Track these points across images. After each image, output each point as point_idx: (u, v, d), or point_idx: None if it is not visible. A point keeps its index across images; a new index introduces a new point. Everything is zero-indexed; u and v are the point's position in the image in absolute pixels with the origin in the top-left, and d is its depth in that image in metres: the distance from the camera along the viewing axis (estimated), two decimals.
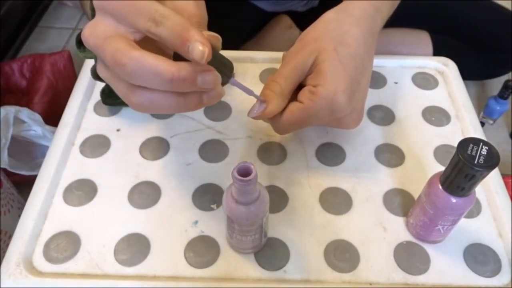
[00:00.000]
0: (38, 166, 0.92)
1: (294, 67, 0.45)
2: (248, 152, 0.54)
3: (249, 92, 0.42)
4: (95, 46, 0.35)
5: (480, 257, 0.46)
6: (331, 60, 0.44)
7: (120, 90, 0.37)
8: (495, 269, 0.45)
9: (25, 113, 0.92)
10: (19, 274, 0.44)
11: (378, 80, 0.63)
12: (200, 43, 0.33)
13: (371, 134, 0.57)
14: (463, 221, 0.48)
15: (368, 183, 0.52)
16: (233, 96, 0.60)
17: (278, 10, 0.97)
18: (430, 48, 0.91)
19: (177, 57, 0.35)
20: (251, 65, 0.63)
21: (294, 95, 0.46)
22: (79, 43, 0.50)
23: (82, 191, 0.50)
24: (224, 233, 0.46)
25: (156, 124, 0.57)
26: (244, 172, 0.37)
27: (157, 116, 0.58)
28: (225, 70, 0.38)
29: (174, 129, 0.57)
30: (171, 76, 0.34)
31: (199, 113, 0.58)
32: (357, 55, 0.46)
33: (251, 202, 0.39)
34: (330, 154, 0.54)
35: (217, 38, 0.37)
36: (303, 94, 0.45)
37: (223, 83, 0.37)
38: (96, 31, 0.35)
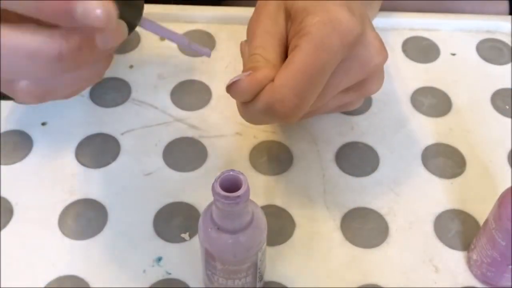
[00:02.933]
0: None
1: (266, 32, 0.47)
2: (236, 156, 0.55)
3: (181, 40, 0.41)
4: None
5: None
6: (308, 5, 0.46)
7: None
8: None
9: None
10: None
11: (427, 50, 0.64)
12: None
13: (416, 130, 0.57)
14: None
15: (412, 202, 0.52)
16: (213, 74, 0.61)
17: None
18: (505, 3, 0.91)
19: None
20: (239, 27, 0.64)
21: None
22: None
23: None
24: (200, 275, 0.47)
25: (99, 114, 0.58)
26: (230, 185, 0.38)
27: (101, 102, 0.59)
28: (131, 11, 0.37)
29: (127, 121, 0.57)
30: (57, 50, 0.32)
31: (164, 99, 0.59)
32: None
33: (241, 230, 0.40)
34: (357, 159, 0.55)
35: None
36: (293, 46, 0.45)
37: (130, 30, 0.37)
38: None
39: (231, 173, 0.38)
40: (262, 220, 0.41)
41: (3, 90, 0.36)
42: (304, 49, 0.43)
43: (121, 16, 0.33)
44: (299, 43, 0.44)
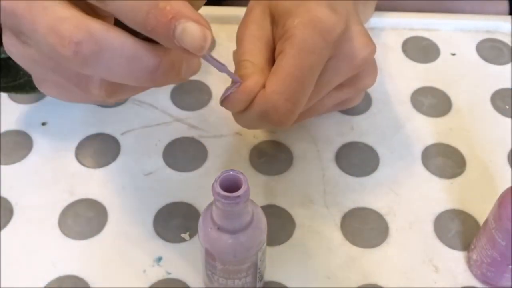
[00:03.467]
0: None
1: (252, 37, 0.47)
2: (236, 156, 0.55)
3: (223, 69, 0.42)
4: (12, 12, 0.33)
5: None
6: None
7: (65, 78, 0.35)
8: None
9: None
10: None
11: (427, 50, 0.64)
12: (196, 22, 0.32)
13: (416, 130, 0.57)
14: None
15: (413, 202, 0.53)
16: (213, 74, 0.61)
17: None
18: (505, 3, 0.92)
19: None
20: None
21: None
22: None
23: None
24: (200, 275, 0.47)
25: (99, 114, 0.58)
26: (230, 185, 0.38)
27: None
28: None
29: (127, 121, 0.57)
30: (157, 64, 0.33)
31: (164, 99, 0.59)
32: None
33: (241, 230, 0.40)
34: (357, 159, 0.55)
35: None
36: (278, 50, 0.45)
37: None
38: None
39: (231, 173, 0.38)
40: (262, 220, 0.41)
41: (74, 81, 0.35)
42: (289, 53, 0.44)
43: None
44: (284, 47, 0.44)
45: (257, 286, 0.46)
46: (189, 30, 0.31)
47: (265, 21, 0.47)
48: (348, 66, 0.48)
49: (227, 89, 0.44)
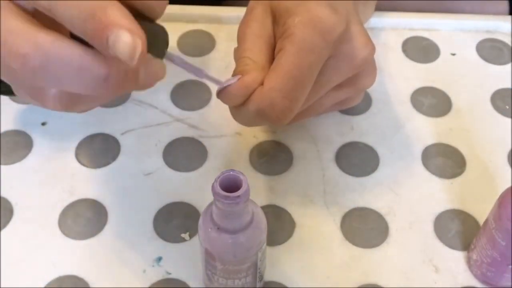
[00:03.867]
0: None
1: (253, 35, 0.47)
2: (236, 156, 0.55)
3: (198, 72, 0.42)
4: None
5: None
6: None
7: (22, 88, 0.36)
8: None
9: None
10: None
11: (427, 51, 0.64)
12: (128, 31, 0.32)
13: (416, 130, 0.57)
14: None
15: (413, 202, 0.53)
16: (213, 74, 0.61)
17: None
18: (505, 3, 0.92)
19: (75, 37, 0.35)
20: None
21: None
22: None
23: None
24: (200, 275, 0.47)
25: (99, 114, 0.58)
26: (230, 185, 0.38)
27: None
28: (158, 43, 0.37)
29: (127, 121, 0.57)
30: (106, 73, 0.33)
31: (164, 99, 0.59)
32: None
33: (241, 230, 0.40)
34: (357, 159, 0.55)
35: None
36: (278, 48, 0.45)
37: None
38: None
39: (231, 173, 0.38)
40: (262, 220, 0.41)
41: (31, 93, 0.36)
42: (288, 51, 0.44)
43: (148, 50, 0.34)
44: (284, 45, 0.44)
45: (257, 286, 0.46)
46: (120, 40, 0.32)
47: (266, 19, 0.47)
48: (347, 66, 0.48)
49: (225, 81, 0.44)
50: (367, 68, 0.49)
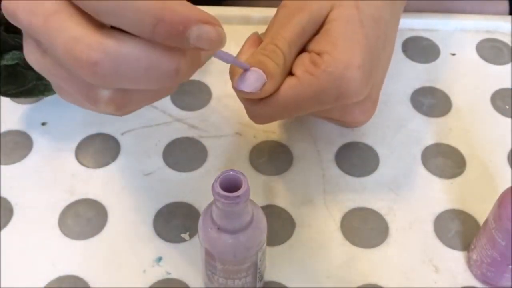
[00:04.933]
0: None
1: (301, 28, 0.46)
2: (236, 156, 0.55)
3: (234, 61, 0.42)
4: (29, 26, 0.33)
5: None
6: (349, 19, 0.45)
7: (75, 90, 0.35)
8: None
9: None
10: None
11: (427, 51, 0.64)
12: (207, 24, 0.32)
13: (416, 130, 0.57)
14: None
15: (413, 202, 0.53)
16: (213, 74, 0.61)
17: None
18: (505, 3, 0.92)
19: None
20: (242, 27, 0.64)
21: None
22: None
23: None
24: (200, 275, 0.47)
25: (99, 114, 0.58)
26: (230, 185, 0.38)
27: None
28: None
29: (127, 121, 0.57)
30: (175, 67, 0.33)
31: (164, 99, 0.59)
32: (381, 18, 0.47)
33: (241, 230, 0.40)
34: (357, 159, 0.55)
35: None
36: (301, 64, 0.45)
37: None
38: (27, 3, 0.32)
39: (231, 173, 0.38)
40: (262, 220, 0.41)
41: (82, 96, 0.35)
42: (298, 88, 0.44)
43: None
44: (301, 77, 0.44)
45: (257, 286, 0.46)
46: (204, 35, 0.32)
47: (322, 16, 0.47)
48: (339, 117, 0.49)
49: (244, 74, 0.44)
50: (362, 110, 0.49)
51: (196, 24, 0.31)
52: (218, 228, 0.40)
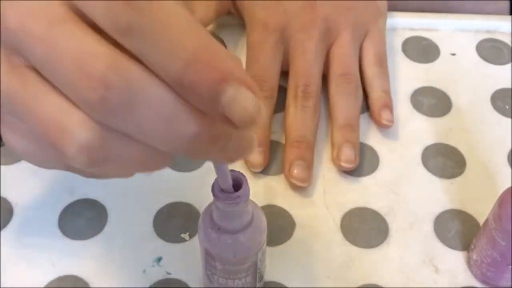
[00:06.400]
0: None
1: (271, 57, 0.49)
2: None
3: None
4: (19, 32, 0.26)
5: None
6: None
7: (40, 119, 0.27)
8: None
9: None
10: None
11: (427, 51, 0.64)
12: (249, 89, 0.25)
13: (416, 130, 0.58)
14: None
15: (413, 202, 0.53)
16: None
17: None
18: (506, 2, 0.91)
19: None
20: (239, 27, 0.64)
21: None
22: None
23: None
24: (200, 275, 0.47)
25: None
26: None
27: None
28: None
29: None
30: (196, 131, 0.26)
31: None
32: None
33: (241, 230, 0.40)
34: None
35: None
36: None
37: None
38: (23, 4, 0.26)
39: (231, 173, 0.38)
40: (262, 220, 0.41)
41: (49, 128, 0.27)
42: None
43: None
44: None
45: (257, 286, 0.46)
46: (241, 99, 0.25)
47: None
48: None
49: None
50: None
51: (237, 82, 0.25)
52: (218, 228, 0.40)
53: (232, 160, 0.30)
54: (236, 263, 0.42)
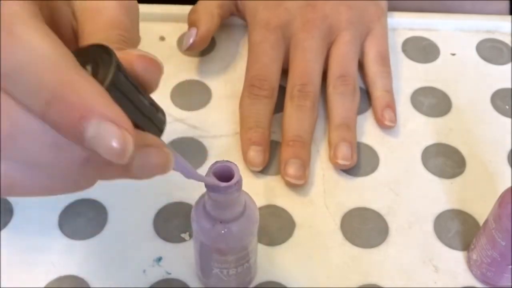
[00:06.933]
0: None
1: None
2: (236, 156, 0.55)
3: (193, 174, 0.38)
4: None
5: None
6: None
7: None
8: None
9: None
10: None
11: (427, 51, 0.64)
12: (112, 123, 0.24)
13: (416, 130, 0.58)
14: None
15: (413, 202, 0.53)
16: (213, 74, 0.61)
17: None
18: (505, 2, 0.91)
19: None
20: (239, 27, 0.64)
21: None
22: None
23: None
24: (199, 274, 0.47)
25: None
26: (223, 175, 0.38)
27: None
28: (152, 129, 0.33)
29: None
30: (85, 156, 0.27)
31: (164, 99, 0.59)
32: None
33: (234, 220, 0.40)
34: (357, 159, 0.55)
35: (154, 65, 0.29)
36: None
37: None
38: None
39: (224, 163, 0.38)
40: (255, 212, 0.42)
41: None
42: None
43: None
44: None
45: (252, 276, 0.46)
46: (104, 135, 0.25)
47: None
48: None
49: (187, 37, 0.58)
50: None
51: (97, 118, 0.24)
52: (211, 219, 0.40)
53: (141, 178, 0.31)
54: (230, 252, 0.42)
